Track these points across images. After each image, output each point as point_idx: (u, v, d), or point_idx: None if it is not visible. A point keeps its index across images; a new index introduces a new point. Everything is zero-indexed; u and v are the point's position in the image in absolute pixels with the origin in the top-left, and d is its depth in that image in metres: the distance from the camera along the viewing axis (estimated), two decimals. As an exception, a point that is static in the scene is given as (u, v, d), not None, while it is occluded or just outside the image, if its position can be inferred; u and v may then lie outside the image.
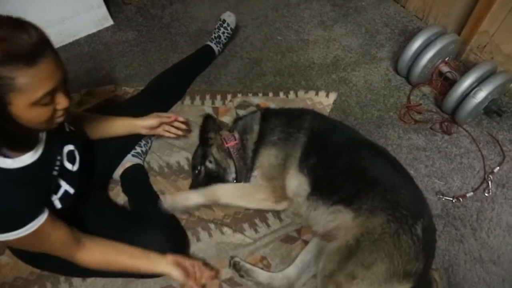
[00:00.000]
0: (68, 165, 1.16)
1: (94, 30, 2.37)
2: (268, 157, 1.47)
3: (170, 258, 1.21)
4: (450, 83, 1.94)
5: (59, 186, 1.12)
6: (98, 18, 2.35)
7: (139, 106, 1.64)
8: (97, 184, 1.48)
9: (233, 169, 1.55)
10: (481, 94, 1.73)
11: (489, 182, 1.67)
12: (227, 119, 1.88)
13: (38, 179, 1.03)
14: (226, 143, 1.53)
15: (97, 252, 1.16)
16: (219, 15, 2.16)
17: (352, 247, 1.22)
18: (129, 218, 1.41)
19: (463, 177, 1.71)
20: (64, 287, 1.37)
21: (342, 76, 2.13)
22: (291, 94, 2.01)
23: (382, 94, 2.05)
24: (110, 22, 2.41)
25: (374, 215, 1.25)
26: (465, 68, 2.05)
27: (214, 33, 2.14)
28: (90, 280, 1.38)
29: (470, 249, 1.51)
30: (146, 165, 1.70)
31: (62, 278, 1.38)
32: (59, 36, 2.26)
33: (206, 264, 1.37)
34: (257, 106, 1.94)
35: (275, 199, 1.44)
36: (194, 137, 1.79)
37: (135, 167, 1.63)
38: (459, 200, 1.62)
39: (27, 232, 0.97)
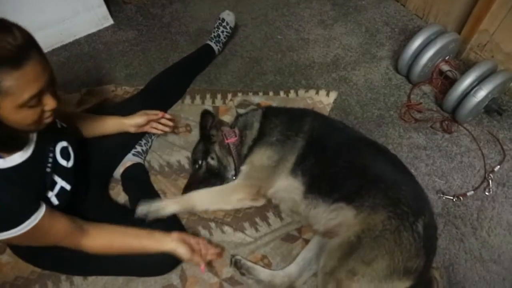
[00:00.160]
0: (63, 162, 1.16)
1: (94, 29, 2.37)
2: (261, 156, 1.47)
3: (175, 235, 1.23)
4: (450, 82, 1.93)
5: (54, 183, 1.12)
6: (98, 18, 2.36)
7: (139, 105, 1.64)
8: (97, 183, 1.48)
9: (232, 166, 1.56)
10: (482, 93, 1.73)
11: (490, 181, 1.67)
12: (227, 118, 1.88)
13: (31, 177, 1.03)
14: (227, 139, 1.55)
15: (102, 236, 1.17)
16: (219, 14, 2.16)
17: (353, 243, 1.22)
18: (129, 217, 1.41)
19: (464, 176, 1.71)
20: (65, 285, 1.37)
21: (342, 75, 2.13)
22: (292, 93, 2.01)
23: (383, 93, 2.05)
24: (110, 21, 2.42)
25: (376, 212, 1.25)
26: (465, 67, 2.05)
27: (214, 32, 2.15)
28: (91, 278, 1.38)
29: (470, 248, 1.51)
30: (146, 164, 1.71)
31: (63, 277, 1.38)
32: (59, 36, 2.26)
33: (210, 242, 1.40)
34: (258, 105, 1.94)
35: (252, 197, 1.46)
36: (194, 136, 1.80)
37: (135, 166, 1.63)
38: (460, 199, 1.62)
39: (26, 229, 0.98)
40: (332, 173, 1.38)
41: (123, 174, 1.61)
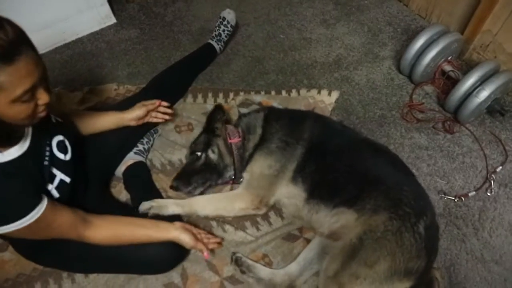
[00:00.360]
0: (60, 155, 1.17)
1: (97, 28, 2.38)
2: (261, 165, 1.47)
3: (178, 224, 1.28)
4: (452, 82, 1.93)
5: (54, 176, 1.13)
6: (101, 16, 2.36)
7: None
8: (98, 180, 1.49)
9: (232, 167, 1.56)
10: (484, 93, 1.73)
11: (492, 182, 1.67)
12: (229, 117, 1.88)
13: (30, 170, 1.04)
14: (230, 139, 1.53)
15: (106, 227, 1.18)
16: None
17: (355, 245, 1.22)
18: (131, 215, 1.42)
19: (466, 176, 1.71)
20: (67, 283, 1.38)
21: (344, 75, 2.13)
22: (294, 93, 2.01)
23: (385, 93, 2.04)
24: (113, 20, 2.42)
25: (377, 213, 1.25)
26: (468, 67, 2.04)
27: (215, 31, 2.15)
28: (92, 276, 1.39)
29: (472, 249, 1.50)
30: (148, 163, 1.71)
31: (64, 274, 1.39)
32: (62, 34, 2.27)
33: (211, 233, 1.45)
34: (259, 104, 1.94)
35: (255, 207, 1.48)
36: (196, 134, 1.80)
37: (137, 165, 1.63)
38: (461, 199, 1.62)
39: (29, 222, 0.99)
40: (333, 178, 1.38)
41: (125, 172, 1.62)
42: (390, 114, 1.95)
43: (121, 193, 1.61)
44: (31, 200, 1.00)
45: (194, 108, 1.93)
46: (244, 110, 1.89)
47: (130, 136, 1.62)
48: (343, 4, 2.54)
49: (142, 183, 1.61)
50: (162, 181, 1.65)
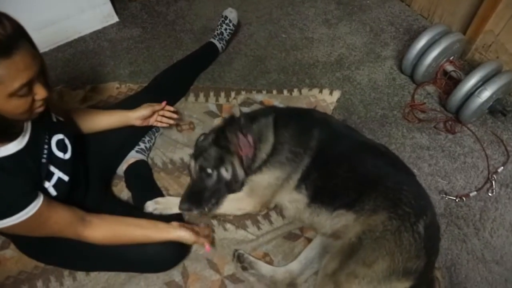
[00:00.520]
0: (59, 154, 1.17)
1: (99, 26, 2.38)
2: (270, 176, 1.42)
3: (176, 223, 1.29)
4: (454, 82, 1.93)
5: (51, 174, 1.13)
6: (103, 15, 2.37)
7: (143, 102, 1.65)
8: (100, 178, 1.48)
9: (244, 179, 1.47)
10: (486, 94, 1.72)
11: (493, 182, 1.66)
12: (231, 116, 1.89)
13: (27, 166, 1.04)
14: (241, 150, 1.39)
15: (105, 227, 1.18)
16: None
17: (354, 244, 1.22)
18: (132, 213, 1.42)
19: (467, 176, 1.71)
20: (68, 281, 1.38)
21: (346, 75, 2.13)
22: (295, 92, 2.01)
23: (386, 92, 2.04)
24: (115, 19, 2.43)
25: (376, 213, 1.25)
26: (470, 67, 2.04)
27: (217, 30, 2.15)
28: (93, 274, 1.39)
29: (473, 249, 1.50)
30: (150, 161, 1.71)
31: (66, 272, 1.39)
32: (64, 33, 2.27)
33: (207, 225, 1.49)
34: (261, 103, 1.94)
35: (256, 210, 1.48)
36: (198, 134, 1.79)
37: (139, 163, 1.64)
38: (463, 199, 1.62)
39: (24, 218, 0.99)
40: (334, 184, 1.37)
41: (127, 171, 1.62)
42: (392, 114, 1.95)
43: (122, 192, 1.62)
44: (27, 196, 1.01)
45: (196, 107, 1.94)
46: (245, 109, 1.89)
47: (131, 135, 1.62)
48: (345, 3, 2.54)
49: (143, 182, 1.61)
50: (163, 180, 1.65)
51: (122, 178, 1.63)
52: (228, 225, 1.53)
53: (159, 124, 1.61)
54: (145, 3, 2.57)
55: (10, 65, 0.85)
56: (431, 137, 1.84)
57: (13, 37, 0.85)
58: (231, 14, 2.14)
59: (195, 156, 1.43)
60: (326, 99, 1.97)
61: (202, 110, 1.92)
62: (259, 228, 1.53)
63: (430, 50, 1.89)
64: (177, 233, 1.25)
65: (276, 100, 1.96)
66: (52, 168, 1.13)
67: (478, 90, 1.74)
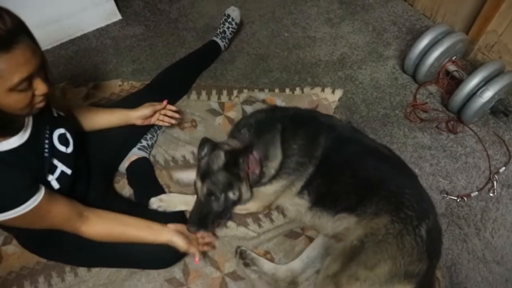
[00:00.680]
0: (61, 148, 1.18)
1: (102, 24, 2.39)
2: (275, 186, 1.42)
3: (171, 226, 1.28)
4: (456, 82, 1.93)
5: (55, 167, 1.14)
6: (106, 13, 2.37)
7: (145, 100, 1.65)
8: (102, 175, 1.49)
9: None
10: (488, 94, 1.72)
11: (494, 182, 1.66)
12: (233, 114, 1.89)
13: (29, 160, 1.05)
14: (249, 169, 1.36)
15: (101, 224, 1.19)
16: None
17: (356, 247, 1.22)
18: (134, 210, 1.43)
19: (468, 176, 1.71)
20: (70, 276, 1.39)
21: (348, 74, 2.13)
22: (297, 90, 2.01)
23: (388, 92, 2.04)
24: (118, 16, 2.43)
25: (379, 216, 1.25)
26: (472, 67, 2.04)
27: (219, 28, 2.15)
28: (95, 270, 1.40)
29: (473, 249, 1.50)
30: (151, 159, 1.72)
31: (67, 268, 1.40)
32: (67, 30, 2.28)
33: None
34: (263, 101, 1.94)
35: (259, 210, 1.50)
36: (199, 131, 1.81)
37: (141, 161, 1.64)
38: (464, 199, 1.62)
39: (25, 211, 1.00)
40: (336, 189, 1.37)
41: (128, 168, 1.63)
42: (394, 113, 1.95)
43: (124, 188, 1.62)
44: (28, 190, 1.01)
45: (198, 105, 1.94)
46: (247, 108, 1.90)
47: (133, 132, 1.63)
48: (348, 3, 2.54)
49: (145, 179, 1.62)
50: (165, 177, 1.65)
51: (124, 175, 1.64)
52: (229, 222, 1.53)
53: (160, 123, 1.61)
54: (148, 1, 2.57)
55: (10, 60, 0.85)
56: (433, 137, 1.84)
57: (14, 31, 0.85)
58: (234, 12, 2.14)
59: (202, 176, 1.35)
60: (328, 98, 1.97)
61: (204, 108, 1.93)
62: (260, 225, 1.54)
63: (433, 49, 1.89)
64: (169, 237, 1.25)
65: (278, 99, 1.96)
66: (56, 162, 1.14)
67: (480, 90, 1.74)
